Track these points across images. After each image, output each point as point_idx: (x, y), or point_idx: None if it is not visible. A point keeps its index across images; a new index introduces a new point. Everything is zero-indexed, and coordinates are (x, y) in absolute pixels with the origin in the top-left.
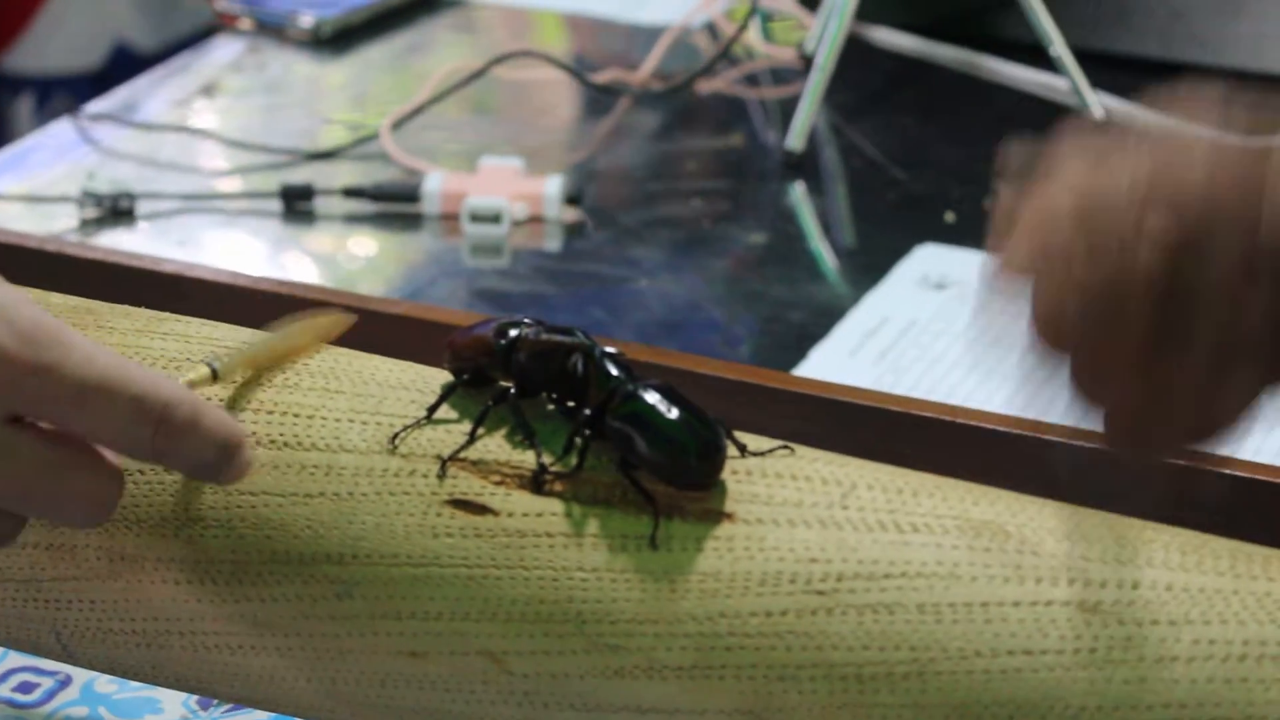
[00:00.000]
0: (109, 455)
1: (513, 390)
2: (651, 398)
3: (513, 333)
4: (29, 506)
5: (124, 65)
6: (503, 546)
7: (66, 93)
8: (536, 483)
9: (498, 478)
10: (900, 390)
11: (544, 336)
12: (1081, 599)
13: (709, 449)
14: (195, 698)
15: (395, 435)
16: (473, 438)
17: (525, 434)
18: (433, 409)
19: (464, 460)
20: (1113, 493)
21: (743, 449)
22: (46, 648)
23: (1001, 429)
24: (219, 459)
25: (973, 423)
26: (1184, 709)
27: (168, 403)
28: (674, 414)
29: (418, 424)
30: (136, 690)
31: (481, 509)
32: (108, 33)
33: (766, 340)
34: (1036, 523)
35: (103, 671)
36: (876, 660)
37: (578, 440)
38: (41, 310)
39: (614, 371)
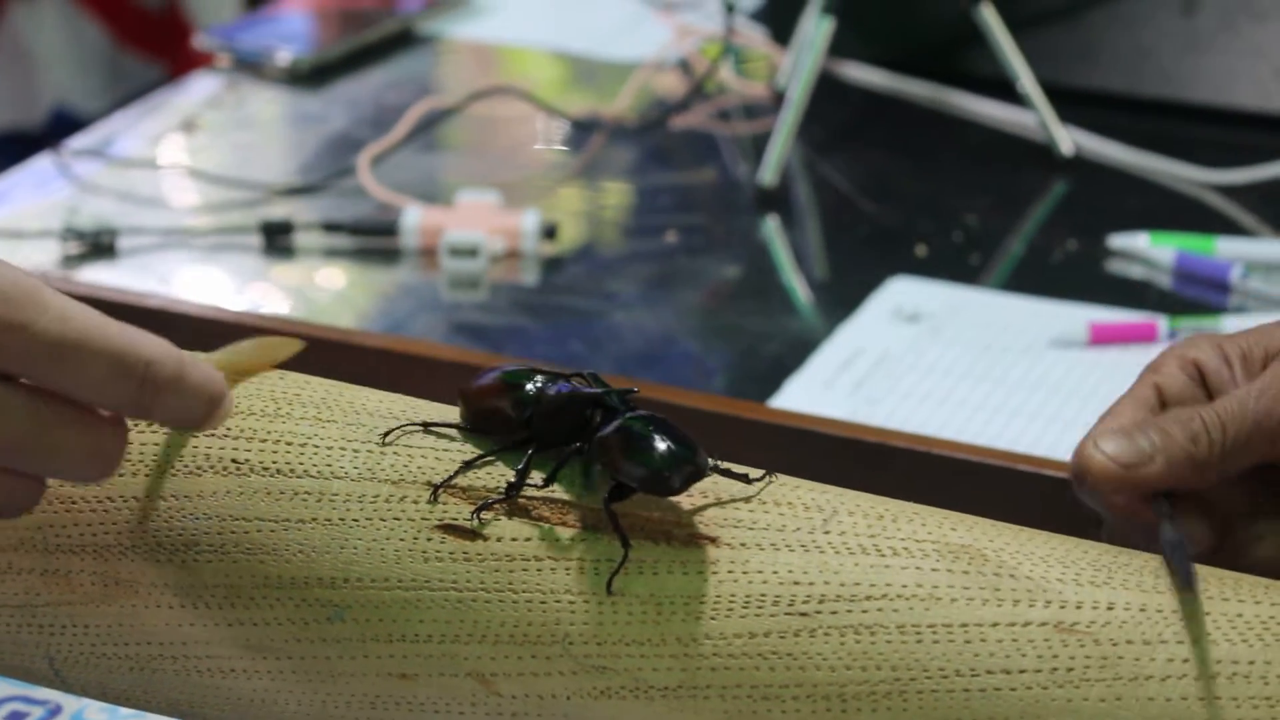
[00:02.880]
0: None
1: (530, 449)
2: (637, 419)
3: (529, 388)
4: (27, 461)
5: (65, 128)
6: (492, 570)
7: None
8: (512, 498)
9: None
10: (874, 421)
11: (557, 391)
12: (1058, 619)
13: (680, 457)
14: None
15: (426, 425)
16: (468, 467)
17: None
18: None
19: (454, 486)
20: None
21: (744, 478)
22: (39, 674)
23: (974, 459)
24: (204, 412)
25: (946, 453)
26: None
27: (150, 360)
28: (653, 430)
29: (449, 437)
30: (127, 718)
31: (471, 534)
32: (48, 95)
33: (741, 372)
34: (1014, 547)
35: (94, 697)
36: (858, 680)
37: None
38: (20, 270)
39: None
